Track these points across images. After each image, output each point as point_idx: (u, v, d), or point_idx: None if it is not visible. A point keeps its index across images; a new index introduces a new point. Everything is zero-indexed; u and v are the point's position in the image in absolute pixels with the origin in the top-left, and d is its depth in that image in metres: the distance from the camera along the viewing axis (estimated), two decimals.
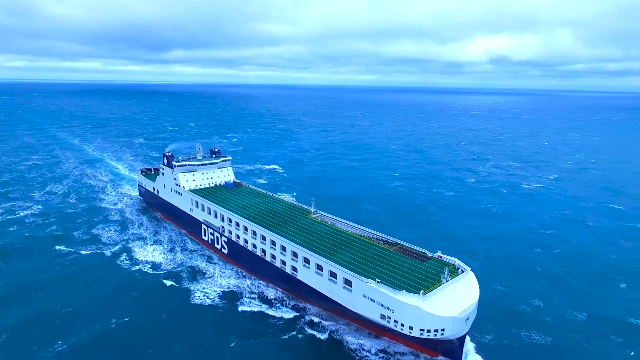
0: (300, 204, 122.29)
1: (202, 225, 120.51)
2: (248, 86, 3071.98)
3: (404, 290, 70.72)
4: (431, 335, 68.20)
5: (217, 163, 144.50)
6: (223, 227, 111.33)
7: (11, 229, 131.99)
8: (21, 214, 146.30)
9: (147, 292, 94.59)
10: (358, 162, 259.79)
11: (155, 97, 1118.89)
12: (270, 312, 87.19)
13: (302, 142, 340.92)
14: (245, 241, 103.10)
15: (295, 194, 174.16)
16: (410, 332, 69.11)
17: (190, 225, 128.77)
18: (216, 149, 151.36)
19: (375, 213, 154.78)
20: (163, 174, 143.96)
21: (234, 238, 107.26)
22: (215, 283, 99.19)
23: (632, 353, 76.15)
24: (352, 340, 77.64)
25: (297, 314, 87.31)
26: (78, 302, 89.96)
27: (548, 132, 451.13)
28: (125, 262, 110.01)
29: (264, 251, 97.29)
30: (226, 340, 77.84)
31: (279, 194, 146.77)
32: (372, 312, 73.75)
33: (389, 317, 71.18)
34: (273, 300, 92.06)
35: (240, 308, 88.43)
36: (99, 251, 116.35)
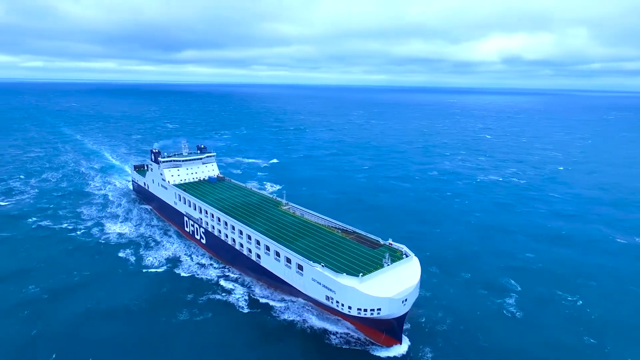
0: (274, 197, 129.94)
1: (184, 217, 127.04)
2: (257, 86, 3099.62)
3: (344, 274, 76.53)
4: (368, 314, 73.20)
5: (201, 159, 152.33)
6: (201, 219, 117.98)
7: (7, 207, 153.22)
8: (18, 198, 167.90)
9: (107, 256, 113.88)
10: (345, 158, 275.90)
11: (164, 96, 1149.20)
12: (203, 275, 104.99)
13: (295, 139, 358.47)
14: (219, 231, 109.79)
15: (275, 187, 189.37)
16: (349, 312, 74.72)
17: (174, 218, 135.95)
18: (202, 146, 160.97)
19: (338, 203, 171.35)
20: (151, 169, 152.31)
21: (210, 229, 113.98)
22: (163, 251, 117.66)
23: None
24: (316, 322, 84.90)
25: (222, 275, 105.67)
26: (49, 259, 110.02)
27: (539, 130, 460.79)
28: (95, 232, 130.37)
29: (234, 240, 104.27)
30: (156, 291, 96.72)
31: (257, 187, 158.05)
32: (318, 294, 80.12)
33: (332, 298, 77.12)
34: (207, 265, 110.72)
35: (180, 273, 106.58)
36: (75, 224, 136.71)
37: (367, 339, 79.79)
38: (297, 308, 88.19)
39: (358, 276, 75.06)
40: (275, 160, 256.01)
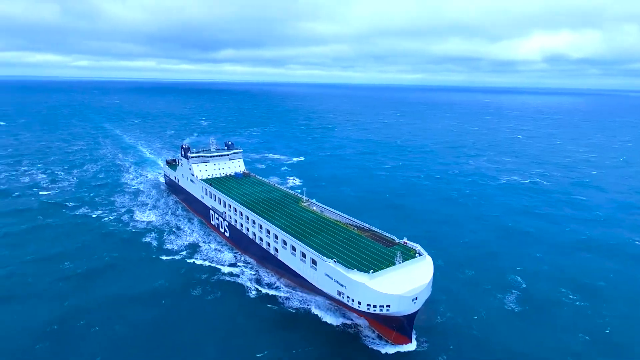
0: (295, 193, 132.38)
1: (210, 210, 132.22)
2: (292, 85, 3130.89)
3: (355, 270, 77.78)
4: (377, 311, 74.14)
5: (228, 155, 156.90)
6: (225, 212, 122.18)
7: (51, 195, 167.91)
8: (61, 182, 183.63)
9: (133, 241, 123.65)
10: (372, 157, 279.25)
11: (200, 94, 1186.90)
12: (218, 261, 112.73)
13: (322, 137, 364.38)
14: (241, 225, 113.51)
15: (297, 182, 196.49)
16: (359, 307, 75.90)
17: (201, 211, 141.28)
18: (230, 142, 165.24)
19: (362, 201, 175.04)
20: (181, 164, 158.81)
21: (233, 222, 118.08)
22: (184, 238, 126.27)
23: None
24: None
25: (235, 262, 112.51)
26: (84, 242, 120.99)
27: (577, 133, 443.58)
28: (125, 218, 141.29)
29: (254, 234, 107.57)
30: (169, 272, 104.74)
31: (280, 183, 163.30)
32: (330, 289, 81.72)
33: (343, 293, 78.59)
34: (223, 252, 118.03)
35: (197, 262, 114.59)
36: (109, 212, 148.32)
37: (379, 335, 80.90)
38: (310, 299, 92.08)
39: (368, 272, 76.17)
40: (301, 158, 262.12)
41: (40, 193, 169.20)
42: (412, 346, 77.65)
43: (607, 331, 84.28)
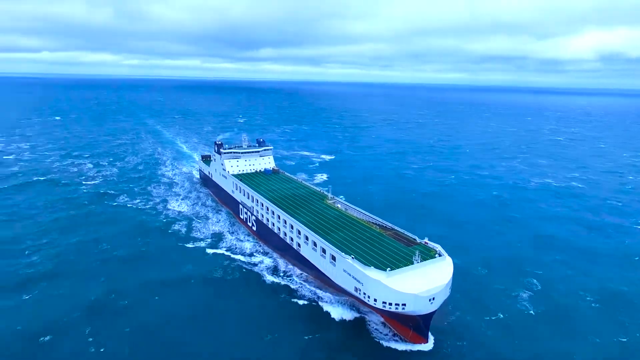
0: (321, 190, 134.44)
1: (240, 205, 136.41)
2: (329, 84, 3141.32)
3: (372, 267, 78.30)
4: (392, 309, 74.22)
5: (259, 152, 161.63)
6: (253, 207, 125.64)
7: (95, 184, 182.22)
8: (104, 173, 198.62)
9: (165, 228, 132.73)
10: (400, 157, 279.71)
11: (239, 92, 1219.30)
12: (239, 248, 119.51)
13: (353, 136, 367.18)
14: (267, 220, 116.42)
15: (324, 178, 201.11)
16: (375, 304, 76.17)
17: (231, 205, 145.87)
18: (261, 139, 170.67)
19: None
20: (215, 160, 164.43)
21: (260, 217, 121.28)
22: (210, 227, 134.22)
23: None
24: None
25: (254, 250, 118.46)
26: (122, 228, 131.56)
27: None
28: (160, 207, 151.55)
29: (279, 229, 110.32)
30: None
31: (307, 180, 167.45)
32: (348, 285, 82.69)
33: (360, 290, 79.03)
34: (244, 241, 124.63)
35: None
36: (145, 201, 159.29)
37: (394, 332, 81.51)
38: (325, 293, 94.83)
39: (385, 270, 76.40)
40: (331, 156, 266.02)
41: (86, 182, 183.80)
42: (428, 346, 77.34)
43: (625, 340, 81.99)
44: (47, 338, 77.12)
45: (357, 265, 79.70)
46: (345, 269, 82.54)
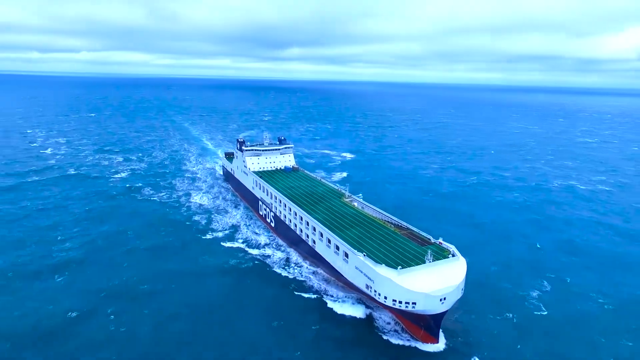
0: (339, 188, 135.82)
1: (259, 201, 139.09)
2: (356, 83, 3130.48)
3: (384, 265, 78.85)
4: (403, 307, 74.86)
5: (279, 149, 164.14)
6: (272, 204, 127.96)
7: (124, 178, 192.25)
8: (135, 169, 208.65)
9: (186, 219, 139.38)
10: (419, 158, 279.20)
11: (266, 91, 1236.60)
12: (254, 240, 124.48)
13: (376, 136, 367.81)
14: (285, 216, 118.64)
15: (342, 176, 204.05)
16: (385, 302, 76.95)
17: (251, 201, 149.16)
18: (282, 138, 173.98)
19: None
20: (237, 157, 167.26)
21: (278, 214, 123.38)
22: (228, 219, 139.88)
23: None
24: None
25: (268, 243, 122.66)
26: (147, 218, 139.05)
27: None
28: (182, 200, 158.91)
29: (295, 225, 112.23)
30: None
31: (326, 178, 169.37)
32: (360, 282, 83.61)
33: (371, 287, 79.87)
34: (260, 234, 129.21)
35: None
36: (170, 194, 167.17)
37: (405, 330, 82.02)
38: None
39: (396, 268, 76.87)
40: (351, 155, 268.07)
41: (115, 176, 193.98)
42: (439, 346, 77.18)
43: None
44: (74, 315, 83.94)
45: (369, 262, 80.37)
46: (357, 266, 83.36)
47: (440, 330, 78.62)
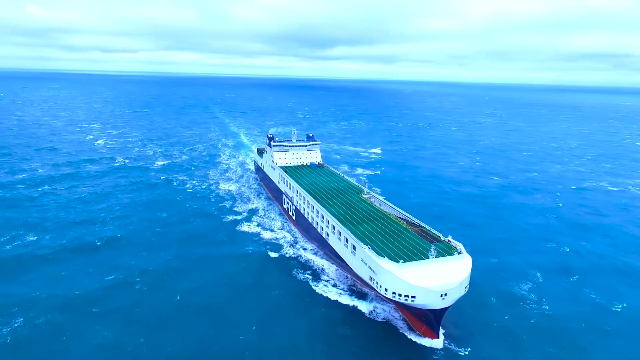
0: (359, 185, 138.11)
1: (283, 195, 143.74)
2: (401, 82, 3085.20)
3: (386, 258, 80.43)
4: (402, 300, 75.72)
5: (306, 146, 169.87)
6: (294, 197, 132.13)
7: (164, 166, 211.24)
8: (174, 160, 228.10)
9: (213, 203, 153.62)
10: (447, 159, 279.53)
11: (308, 90, 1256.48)
12: (268, 224, 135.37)
13: (410, 135, 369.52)
14: (304, 210, 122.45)
15: (368, 173, 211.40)
16: (385, 293, 78.14)
17: (277, 195, 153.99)
18: (310, 134, 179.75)
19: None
20: (266, 152, 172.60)
21: (298, 207, 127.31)
22: (249, 205, 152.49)
23: None
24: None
25: (281, 227, 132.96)
26: (180, 201, 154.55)
27: None
28: (212, 187, 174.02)
29: (312, 218, 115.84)
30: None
31: (349, 175, 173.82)
32: (364, 273, 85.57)
33: (373, 279, 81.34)
34: (274, 219, 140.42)
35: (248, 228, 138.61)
36: (202, 181, 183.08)
37: (408, 324, 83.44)
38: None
39: (398, 262, 78.52)
40: (379, 153, 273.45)
41: (157, 165, 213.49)
42: (438, 342, 77.63)
43: None
44: (112, 278, 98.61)
45: (372, 255, 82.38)
46: (363, 259, 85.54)
47: (441, 327, 79.42)
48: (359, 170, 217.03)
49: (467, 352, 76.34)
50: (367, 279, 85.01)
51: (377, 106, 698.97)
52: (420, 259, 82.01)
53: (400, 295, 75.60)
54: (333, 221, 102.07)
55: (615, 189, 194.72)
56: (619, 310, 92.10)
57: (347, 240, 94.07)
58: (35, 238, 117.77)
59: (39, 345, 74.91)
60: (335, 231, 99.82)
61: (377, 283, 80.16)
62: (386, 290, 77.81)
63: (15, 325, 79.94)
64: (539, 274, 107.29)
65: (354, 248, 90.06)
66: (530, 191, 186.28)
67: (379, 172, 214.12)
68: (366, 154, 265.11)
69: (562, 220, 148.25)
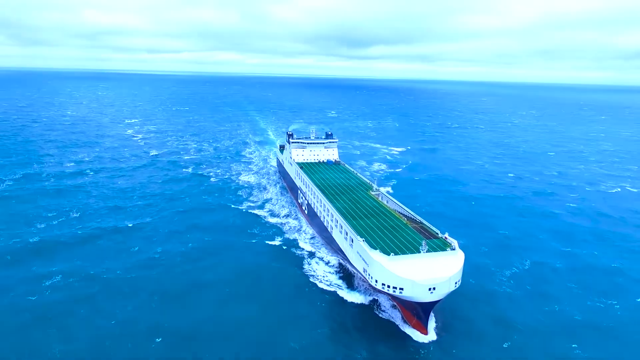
0: (370, 182, 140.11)
1: (298, 190, 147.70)
2: (441, 82, 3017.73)
3: (378, 250, 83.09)
4: (390, 291, 78.04)
5: (324, 143, 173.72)
6: (306, 192, 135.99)
7: (195, 159, 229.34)
8: (203, 153, 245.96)
9: (232, 192, 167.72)
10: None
11: (343, 90, 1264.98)
12: (278, 212, 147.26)
13: (435, 135, 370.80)
14: (313, 204, 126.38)
15: (385, 170, 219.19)
16: (375, 284, 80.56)
17: (293, 190, 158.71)
18: (329, 132, 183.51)
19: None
20: (286, 148, 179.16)
21: (309, 201, 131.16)
22: (264, 194, 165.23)
23: None
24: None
25: (290, 215, 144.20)
26: (200, 190, 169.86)
27: None
28: (233, 178, 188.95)
29: (320, 213, 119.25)
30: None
31: (362, 172, 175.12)
32: (359, 265, 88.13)
33: (366, 270, 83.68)
34: (284, 206, 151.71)
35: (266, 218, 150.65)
36: (224, 172, 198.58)
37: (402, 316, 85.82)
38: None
39: (389, 254, 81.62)
40: (399, 149, 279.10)
41: (187, 157, 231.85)
42: (426, 337, 79.48)
43: None
44: (139, 257, 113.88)
45: (366, 247, 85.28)
46: (358, 251, 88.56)
47: (434, 322, 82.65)
48: (376, 166, 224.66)
49: (455, 350, 77.49)
50: (361, 270, 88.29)
51: (408, 106, 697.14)
52: (412, 252, 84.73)
53: (389, 286, 78.09)
54: (336, 215, 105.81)
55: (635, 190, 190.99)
56: (619, 310, 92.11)
57: (346, 234, 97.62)
58: (78, 221, 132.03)
59: (71, 315, 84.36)
60: (338, 225, 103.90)
61: (369, 274, 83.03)
62: (376, 281, 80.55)
63: (53, 294, 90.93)
64: (547, 273, 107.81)
65: (352, 241, 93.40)
66: (544, 191, 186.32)
67: (395, 170, 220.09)
68: (386, 152, 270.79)
69: (567, 224, 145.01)
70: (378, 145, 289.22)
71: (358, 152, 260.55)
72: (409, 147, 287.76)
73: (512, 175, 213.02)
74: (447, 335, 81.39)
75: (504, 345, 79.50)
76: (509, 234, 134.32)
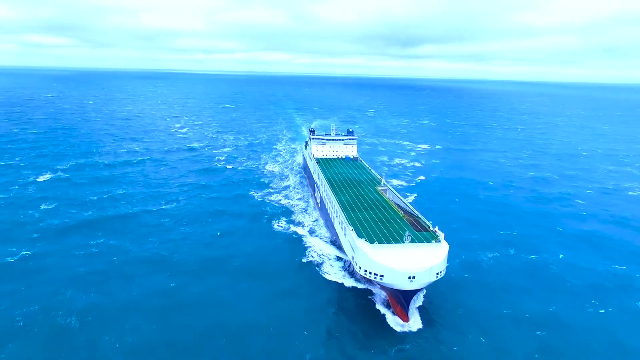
0: (380, 178, 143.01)
1: (315, 184, 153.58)
2: (493, 82, 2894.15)
3: (364, 239, 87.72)
4: (372, 277, 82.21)
5: (343, 140, 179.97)
6: (320, 186, 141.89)
7: (230, 152, 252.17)
8: (237, 143, 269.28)
9: (255, 180, 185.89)
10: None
11: (387, 89, 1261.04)
12: (291, 201, 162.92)
13: (467, 135, 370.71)
14: (324, 197, 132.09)
15: (399, 167, 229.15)
16: (359, 270, 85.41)
17: (311, 183, 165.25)
18: (350, 129, 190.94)
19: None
20: (307, 144, 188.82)
21: (322, 195, 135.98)
22: (284, 182, 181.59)
23: None
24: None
25: (297, 207, 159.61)
26: (229, 178, 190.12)
27: None
28: (261, 167, 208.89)
29: (327, 204, 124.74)
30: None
31: (376, 167, 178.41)
32: (349, 252, 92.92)
33: (354, 258, 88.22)
34: (300, 197, 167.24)
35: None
36: (254, 162, 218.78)
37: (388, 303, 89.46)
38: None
39: (372, 243, 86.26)
40: (426, 147, 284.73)
41: (222, 149, 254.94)
42: (408, 325, 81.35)
43: None
44: (170, 235, 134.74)
45: (354, 235, 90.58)
46: (349, 240, 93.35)
47: (418, 313, 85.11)
48: (396, 161, 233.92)
49: (439, 339, 79.54)
50: (350, 258, 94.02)
51: (450, 105, 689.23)
52: (396, 242, 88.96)
53: (371, 273, 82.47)
54: (337, 207, 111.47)
55: None
56: (602, 312, 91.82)
57: (342, 224, 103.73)
58: (125, 205, 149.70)
59: (111, 281, 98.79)
60: (338, 215, 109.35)
61: (355, 261, 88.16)
62: (360, 267, 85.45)
63: (97, 263, 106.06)
64: (550, 268, 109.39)
65: (345, 230, 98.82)
66: (554, 193, 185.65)
67: (414, 164, 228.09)
68: (411, 149, 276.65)
69: (566, 224, 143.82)
70: (405, 143, 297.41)
71: (383, 149, 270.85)
72: (437, 146, 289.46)
73: (531, 174, 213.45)
74: (432, 325, 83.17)
75: (482, 340, 79.96)
76: (509, 232, 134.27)
